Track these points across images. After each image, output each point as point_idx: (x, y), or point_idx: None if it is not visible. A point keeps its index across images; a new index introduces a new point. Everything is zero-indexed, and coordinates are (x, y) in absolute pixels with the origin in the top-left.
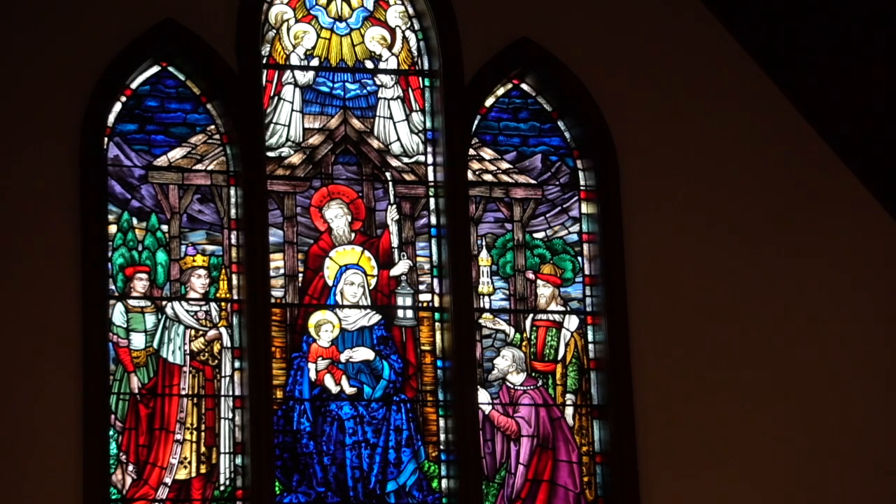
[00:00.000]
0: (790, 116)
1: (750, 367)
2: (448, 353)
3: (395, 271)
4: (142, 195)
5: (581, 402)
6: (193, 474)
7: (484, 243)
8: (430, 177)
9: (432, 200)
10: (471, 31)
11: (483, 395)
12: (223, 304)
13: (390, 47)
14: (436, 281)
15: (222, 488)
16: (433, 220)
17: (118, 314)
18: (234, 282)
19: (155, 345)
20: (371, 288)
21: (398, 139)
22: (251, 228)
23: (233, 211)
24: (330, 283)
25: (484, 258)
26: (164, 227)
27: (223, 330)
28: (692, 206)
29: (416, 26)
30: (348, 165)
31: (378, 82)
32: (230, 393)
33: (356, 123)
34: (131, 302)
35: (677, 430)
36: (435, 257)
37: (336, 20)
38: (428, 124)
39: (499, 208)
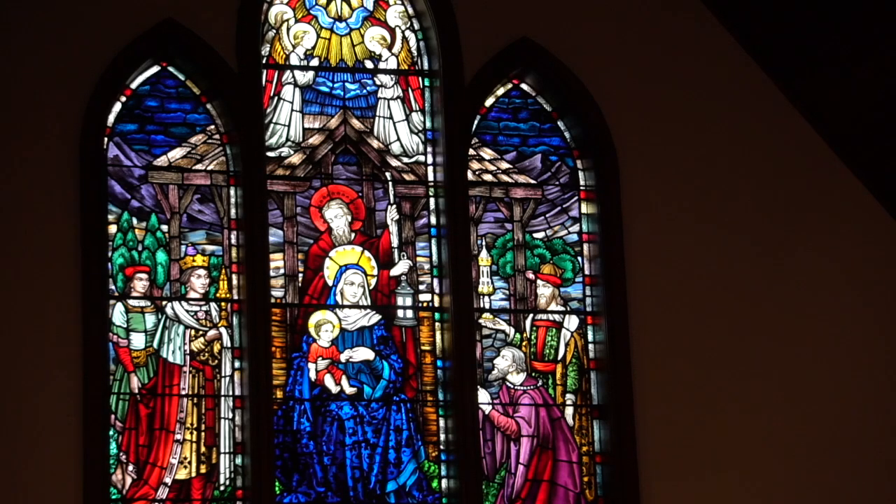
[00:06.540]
0: (790, 116)
1: (749, 366)
2: (448, 353)
3: (395, 271)
4: (142, 195)
5: (581, 402)
6: (193, 474)
7: (484, 243)
8: (430, 177)
9: (432, 200)
10: (471, 31)
11: (483, 395)
12: (223, 304)
13: (390, 47)
14: (436, 281)
15: (222, 488)
16: (433, 220)
17: (118, 314)
18: (234, 282)
19: (155, 345)
20: (371, 288)
21: (398, 139)
22: (251, 228)
23: (233, 211)
24: (330, 283)
25: (484, 258)
26: (164, 227)
27: (223, 330)
28: (692, 206)
29: (416, 26)
30: (348, 165)
31: (378, 82)
32: (230, 393)
33: (356, 123)
34: (131, 302)
35: (677, 430)
36: (435, 257)
37: (336, 20)
38: (428, 124)
39: (499, 208)
